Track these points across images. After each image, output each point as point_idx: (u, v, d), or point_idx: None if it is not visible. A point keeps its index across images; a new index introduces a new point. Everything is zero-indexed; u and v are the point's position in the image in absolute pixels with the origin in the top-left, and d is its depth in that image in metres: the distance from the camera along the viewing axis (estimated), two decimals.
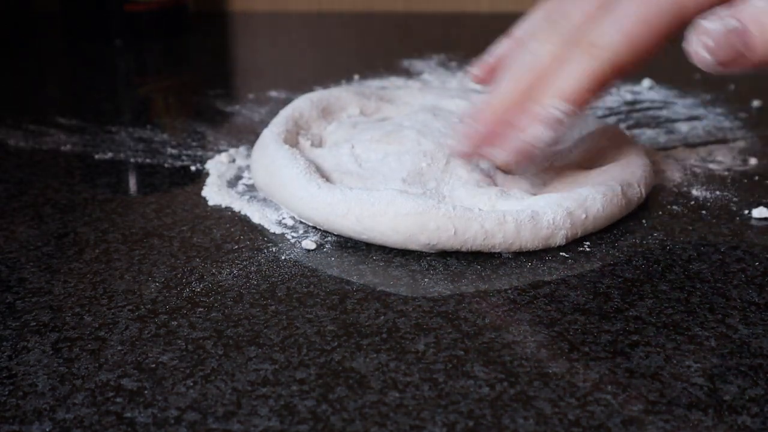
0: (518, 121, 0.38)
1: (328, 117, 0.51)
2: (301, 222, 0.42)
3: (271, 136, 0.46)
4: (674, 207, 0.44)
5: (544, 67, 0.38)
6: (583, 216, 0.39)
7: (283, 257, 0.39)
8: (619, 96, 0.66)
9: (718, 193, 0.46)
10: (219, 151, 0.52)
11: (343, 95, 0.52)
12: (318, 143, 0.48)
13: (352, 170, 0.44)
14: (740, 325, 0.33)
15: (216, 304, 0.35)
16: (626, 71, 0.37)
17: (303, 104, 0.50)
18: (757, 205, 0.44)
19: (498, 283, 0.37)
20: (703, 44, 0.34)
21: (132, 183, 0.49)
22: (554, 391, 0.29)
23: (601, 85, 0.37)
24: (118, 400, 0.29)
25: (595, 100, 0.39)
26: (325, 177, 0.43)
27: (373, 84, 0.68)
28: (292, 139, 0.47)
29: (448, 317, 0.34)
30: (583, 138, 0.48)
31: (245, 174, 0.49)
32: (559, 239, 0.39)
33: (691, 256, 0.39)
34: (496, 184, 0.43)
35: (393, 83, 0.68)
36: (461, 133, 0.41)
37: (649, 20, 0.36)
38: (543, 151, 0.39)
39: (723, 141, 0.55)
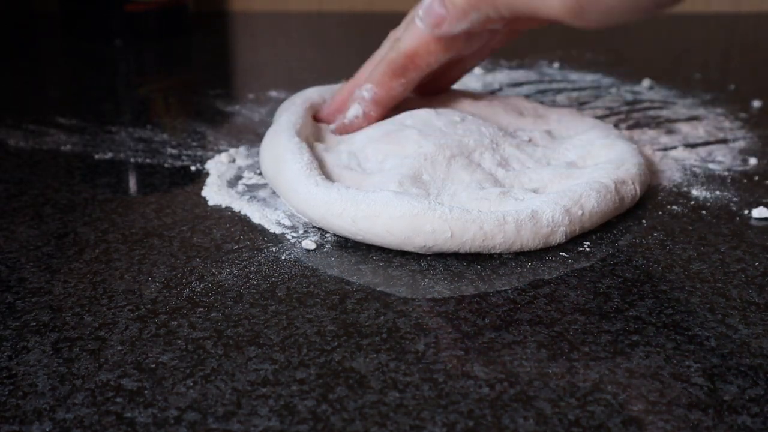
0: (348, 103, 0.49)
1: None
2: (301, 222, 0.42)
3: (286, 124, 0.46)
4: (674, 207, 0.44)
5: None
6: (580, 212, 0.39)
7: (283, 257, 0.39)
8: (619, 96, 0.66)
9: (718, 193, 0.46)
10: (219, 151, 0.52)
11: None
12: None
13: (354, 169, 0.44)
14: (740, 325, 0.33)
15: (216, 304, 0.35)
16: (418, 61, 0.47)
17: (313, 94, 0.51)
18: (757, 205, 0.44)
19: (498, 283, 0.37)
20: (418, 15, 0.45)
21: (132, 183, 0.49)
22: (554, 391, 0.29)
23: (399, 70, 0.47)
24: (118, 400, 0.29)
25: (402, 84, 0.47)
26: (327, 174, 0.43)
27: None
28: (303, 132, 0.47)
29: (448, 317, 0.34)
30: (579, 137, 0.48)
31: (245, 174, 0.49)
32: (558, 237, 0.39)
33: (691, 256, 0.39)
34: (498, 180, 0.43)
35: None
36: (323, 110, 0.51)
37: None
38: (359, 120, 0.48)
39: (723, 141, 0.55)
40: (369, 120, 0.48)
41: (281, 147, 0.44)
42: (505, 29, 0.48)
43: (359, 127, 0.48)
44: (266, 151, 0.46)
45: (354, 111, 0.48)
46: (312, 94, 0.52)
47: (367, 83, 0.48)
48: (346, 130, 0.48)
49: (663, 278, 0.37)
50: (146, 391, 0.29)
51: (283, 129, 0.46)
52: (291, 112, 0.48)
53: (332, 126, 0.49)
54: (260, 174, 0.48)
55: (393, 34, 0.49)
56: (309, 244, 0.40)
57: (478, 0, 0.43)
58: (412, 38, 0.46)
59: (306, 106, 0.50)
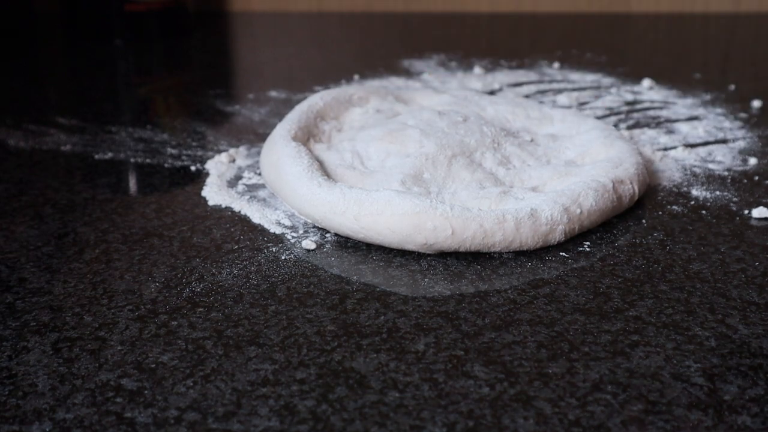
0: None
1: (343, 112, 0.52)
2: (300, 222, 0.42)
3: (281, 132, 0.46)
4: (674, 207, 0.44)
5: None
6: (578, 211, 0.40)
7: (283, 257, 0.39)
8: (619, 96, 0.66)
9: (718, 193, 0.46)
10: (219, 151, 0.52)
11: (360, 92, 0.54)
12: (339, 129, 0.49)
13: (356, 167, 0.44)
14: (740, 325, 0.33)
15: (216, 304, 0.35)
16: None
17: (318, 100, 0.51)
18: (757, 205, 0.44)
19: (498, 283, 0.37)
20: None
21: (132, 183, 0.49)
22: (554, 391, 0.29)
23: None
24: (118, 400, 0.29)
25: None
26: (328, 174, 0.43)
27: (396, 83, 0.68)
28: (303, 136, 0.47)
29: (448, 317, 0.34)
30: (581, 136, 0.48)
31: (245, 174, 0.49)
32: (557, 235, 0.39)
33: (691, 256, 0.39)
34: (499, 179, 0.43)
35: (394, 83, 0.68)
36: None
37: None
38: None
39: (723, 141, 0.55)
40: None
41: (278, 153, 0.44)
42: None
43: None
44: (265, 158, 0.46)
45: None
46: (315, 98, 0.52)
47: None
48: None
49: (663, 278, 0.37)
50: (146, 391, 0.29)
51: (278, 137, 0.46)
52: (286, 120, 0.49)
53: None
54: (260, 174, 0.48)
55: None
56: (309, 244, 0.40)
57: None
58: None
59: (304, 108, 0.50)
